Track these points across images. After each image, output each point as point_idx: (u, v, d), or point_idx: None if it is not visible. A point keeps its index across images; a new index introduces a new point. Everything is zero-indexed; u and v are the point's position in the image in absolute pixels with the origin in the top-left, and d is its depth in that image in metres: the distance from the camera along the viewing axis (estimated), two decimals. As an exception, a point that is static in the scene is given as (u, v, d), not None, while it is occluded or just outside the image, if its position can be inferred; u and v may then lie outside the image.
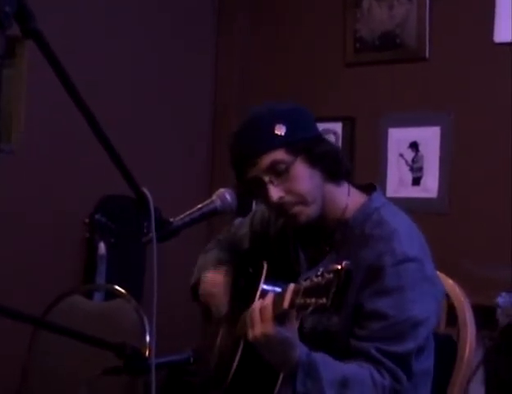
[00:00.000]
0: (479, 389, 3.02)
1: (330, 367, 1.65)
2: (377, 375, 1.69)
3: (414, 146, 3.66)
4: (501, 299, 2.84)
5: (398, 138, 3.71)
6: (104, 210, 3.59)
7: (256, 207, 2.17)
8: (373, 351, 1.70)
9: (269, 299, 1.61)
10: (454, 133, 3.56)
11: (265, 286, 1.87)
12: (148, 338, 2.34)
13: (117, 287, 2.64)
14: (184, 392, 3.30)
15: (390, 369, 1.70)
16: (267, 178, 1.78)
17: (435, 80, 3.63)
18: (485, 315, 2.34)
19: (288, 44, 4.09)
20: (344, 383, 1.65)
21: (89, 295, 2.94)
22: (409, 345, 1.72)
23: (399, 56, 3.73)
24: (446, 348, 1.96)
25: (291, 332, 1.62)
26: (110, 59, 3.75)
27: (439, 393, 1.92)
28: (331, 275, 1.44)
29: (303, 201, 1.80)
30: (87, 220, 3.56)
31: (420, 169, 3.65)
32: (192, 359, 1.68)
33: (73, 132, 3.38)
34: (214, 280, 2.00)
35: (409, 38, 3.70)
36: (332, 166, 1.83)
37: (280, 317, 1.58)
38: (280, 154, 1.78)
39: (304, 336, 1.70)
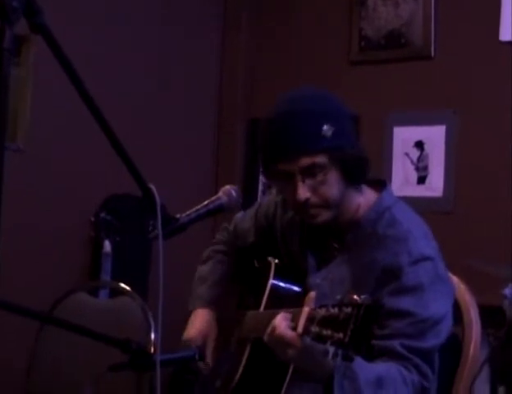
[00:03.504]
0: (484, 388, 3.01)
1: (364, 367, 1.64)
2: (404, 371, 1.69)
3: (419, 145, 3.66)
4: (508, 290, 2.83)
5: (403, 137, 3.70)
6: (109, 208, 3.59)
7: (260, 200, 2.17)
8: (399, 348, 1.70)
9: (282, 323, 1.58)
10: (460, 132, 3.56)
11: (274, 282, 1.87)
12: (153, 335, 2.34)
13: (122, 285, 2.64)
14: (186, 391, 3.30)
15: (416, 365, 1.71)
16: (299, 177, 1.76)
17: (440, 79, 3.63)
18: (490, 314, 2.34)
19: (293, 43, 4.09)
20: (378, 382, 1.65)
21: (94, 293, 2.94)
22: (432, 342, 1.74)
23: (404, 54, 3.72)
24: (451, 346, 1.95)
25: None
26: (110, 56, 3.75)
27: (444, 392, 1.92)
28: (350, 309, 1.41)
29: (325, 205, 1.79)
30: (92, 218, 3.56)
31: (425, 168, 3.64)
32: (197, 356, 1.68)
33: (78, 131, 3.39)
34: (200, 322, 2.05)
35: (414, 37, 3.69)
36: (359, 174, 1.82)
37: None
38: (322, 159, 1.75)
39: None
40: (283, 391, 1.77)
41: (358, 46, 3.85)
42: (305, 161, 1.75)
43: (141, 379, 2.30)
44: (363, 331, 1.39)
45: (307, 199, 1.77)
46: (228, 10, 4.26)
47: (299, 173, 1.75)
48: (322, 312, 1.47)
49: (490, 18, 3.48)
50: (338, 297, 1.45)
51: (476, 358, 1.97)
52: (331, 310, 1.45)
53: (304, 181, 1.76)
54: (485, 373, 2.91)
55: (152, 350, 1.51)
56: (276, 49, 4.15)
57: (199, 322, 2.05)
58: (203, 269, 2.17)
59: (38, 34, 1.02)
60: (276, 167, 1.79)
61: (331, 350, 1.42)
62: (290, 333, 1.56)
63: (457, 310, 2.01)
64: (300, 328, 1.53)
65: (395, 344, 1.70)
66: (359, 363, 1.63)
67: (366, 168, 1.83)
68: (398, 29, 3.74)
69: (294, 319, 1.57)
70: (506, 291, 2.83)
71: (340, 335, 1.40)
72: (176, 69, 4.04)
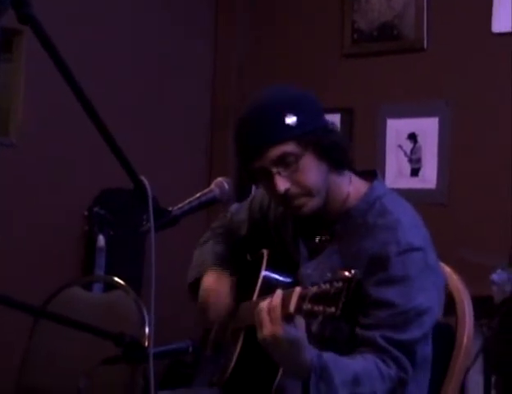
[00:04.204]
0: (478, 378, 3.02)
1: (340, 367, 1.64)
2: (382, 365, 1.69)
3: (413, 137, 3.66)
4: (496, 275, 2.85)
5: (396, 129, 3.71)
6: (103, 203, 3.59)
7: (255, 192, 2.16)
8: (379, 340, 1.70)
9: (277, 299, 1.58)
10: (453, 124, 3.56)
11: (267, 273, 1.87)
12: (147, 329, 2.34)
13: (116, 279, 2.64)
14: (181, 384, 3.31)
15: (395, 358, 1.70)
16: (274, 169, 1.76)
17: (433, 71, 3.63)
18: (483, 304, 2.35)
19: (286, 36, 4.09)
20: (355, 381, 1.65)
21: (88, 287, 2.94)
22: (414, 334, 1.73)
23: (397, 46, 3.72)
24: (445, 337, 1.96)
25: (301, 332, 1.61)
26: (109, 42, 3.75)
27: (437, 382, 1.92)
28: (341, 284, 1.42)
29: (308, 193, 1.78)
30: (86, 213, 3.56)
31: (419, 160, 3.65)
32: (191, 349, 1.68)
33: (71, 125, 3.39)
34: (216, 281, 2.00)
35: (407, 29, 3.70)
36: (338, 157, 1.81)
37: (288, 318, 1.56)
38: (290, 147, 1.75)
39: (310, 337, 1.68)
40: (278, 377, 1.77)
41: (351, 38, 3.85)
42: (274, 152, 1.75)
43: (135, 372, 2.30)
44: (354, 304, 1.40)
45: (287, 190, 1.77)
46: (221, 6, 4.26)
47: (273, 166, 1.76)
48: (314, 289, 1.48)
49: (482, 10, 3.48)
50: (328, 275, 1.46)
51: (469, 348, 1.97)
52: (323, 286, 1.46)
53: (279, 173, 1.76)
54: (479, 364, 2.92)
55: (145, 343, 1.51)
56: (270, 44, 4.14)
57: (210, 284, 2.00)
58: (203, 249, 2.13)
59: (27, 24, 1.02)
60: (252, 167, 1.80)
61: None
62: (280, 309, 1.56)
63: (450, 301, 2.02)
64: (292, 306, 1.53)
65: (376, 335, 1.70)
66: (335, 362, 1.64)
67: (346, 151, 1.83)
68: (391, 21, 3.74)
69: (287, 299, 1.57)
70: (494, 277, 2.84)
71: (332, 309, 1.41)
72: (172, 67, 4.04)
